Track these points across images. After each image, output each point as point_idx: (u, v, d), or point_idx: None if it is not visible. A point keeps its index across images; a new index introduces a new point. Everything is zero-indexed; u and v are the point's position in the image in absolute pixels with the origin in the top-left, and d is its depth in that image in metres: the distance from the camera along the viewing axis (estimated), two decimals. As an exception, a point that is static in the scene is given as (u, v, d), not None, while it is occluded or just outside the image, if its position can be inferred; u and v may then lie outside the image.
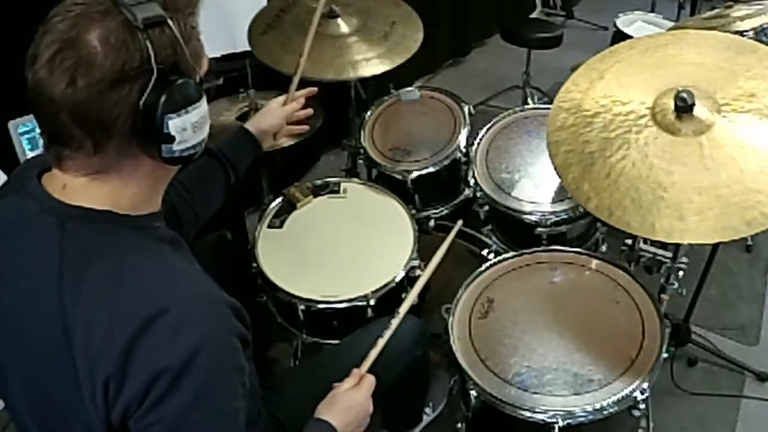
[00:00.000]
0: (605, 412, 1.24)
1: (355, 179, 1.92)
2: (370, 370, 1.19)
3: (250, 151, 1.46)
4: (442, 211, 1.98)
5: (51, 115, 0.76)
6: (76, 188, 0.82)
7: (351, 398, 1.13)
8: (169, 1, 0.79)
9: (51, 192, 0.83)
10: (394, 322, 1.25)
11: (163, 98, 0.77)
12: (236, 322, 0.83)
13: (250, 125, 1.46)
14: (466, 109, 2.00)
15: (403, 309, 1.28)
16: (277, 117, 1.48)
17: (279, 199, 1.80)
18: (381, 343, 1.22)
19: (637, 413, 1.29)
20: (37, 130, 1.53)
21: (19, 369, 0.86)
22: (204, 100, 0.84)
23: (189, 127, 0.81)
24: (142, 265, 0.81)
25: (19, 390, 0.88)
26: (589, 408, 1.24)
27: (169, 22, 0.77)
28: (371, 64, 1.76)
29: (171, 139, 0.79)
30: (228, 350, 0.81)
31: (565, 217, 1.72)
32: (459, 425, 1.47)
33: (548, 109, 1.49)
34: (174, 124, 0.79)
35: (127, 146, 0.80)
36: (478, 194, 1.82)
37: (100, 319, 0.76)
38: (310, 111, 1.56)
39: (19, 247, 0.84)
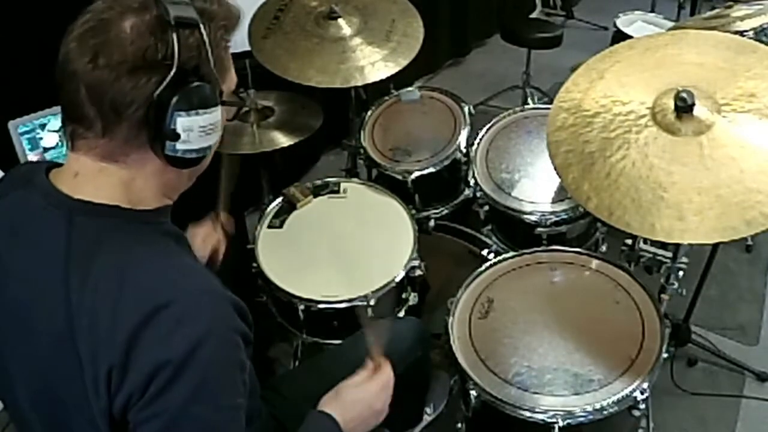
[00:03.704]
0: (605, 412, 1.24)
1: (355, 179, 1.92)
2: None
3: None
4: (442, 211, 1.98)
5: (72, 89, 0.79)
6: (87, 176, 0.84)
7: (359, 392, 1.07)
8: (205, 10, 0.83)
9: (59, 186, 0.85)
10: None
11: (177, 95, 0.79)
12: (239, 320, 0.84)
13: None
14: (466, 109, 2.00)
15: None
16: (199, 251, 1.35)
17: (279, 199, 1.80)
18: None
19: (637, 413, 1.29)
20: (38, 130, 1.54)
21: (23, 361, 0.86)
22: (218, 110, 0.85)
23: (196, 129, 0.82)
24: (148, 258, 0.82)
25: (21, 383, 0.88)
26: (589, 408, 1.24)
27: (201, 26, 0.80)
28: (377, 68, 1.75)
29: (176, 136, 0.81)
30: (229, 346, 0.81)
31: (565, 217, 1.72)
32: (459, 425, 1.47)
33: (548, 109, 1.49)
34: (182, 122, 0.80)
35: (134, 136, 0.81)
36: (478, 194, 1.82)
37: (105, 309, 0.76)
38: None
39: (26, 240, 0.85)
